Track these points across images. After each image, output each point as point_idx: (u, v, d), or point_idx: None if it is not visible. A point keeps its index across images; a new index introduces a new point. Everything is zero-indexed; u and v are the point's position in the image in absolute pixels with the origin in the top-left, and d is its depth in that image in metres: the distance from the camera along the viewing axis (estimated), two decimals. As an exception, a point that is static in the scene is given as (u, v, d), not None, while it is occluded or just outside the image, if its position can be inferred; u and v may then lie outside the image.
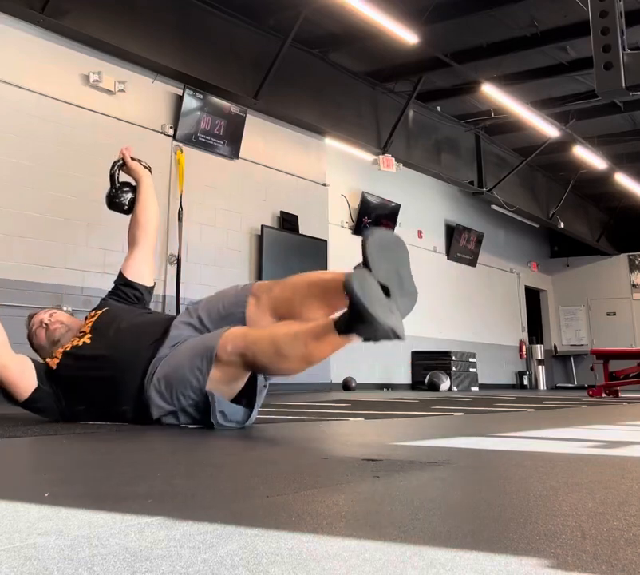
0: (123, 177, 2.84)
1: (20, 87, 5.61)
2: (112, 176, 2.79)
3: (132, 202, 2.78)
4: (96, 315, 2.47)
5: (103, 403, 2.30)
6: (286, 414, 3.02)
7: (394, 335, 1.90)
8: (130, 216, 2.78)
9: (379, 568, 0.63)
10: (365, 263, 1.91)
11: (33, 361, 2.37)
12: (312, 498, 1.00)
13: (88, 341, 2.35)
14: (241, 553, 0.68)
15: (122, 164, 2.82)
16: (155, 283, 2.73)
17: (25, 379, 2.30)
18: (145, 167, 2.85)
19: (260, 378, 2.22)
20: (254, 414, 2.24)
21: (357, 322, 1.87)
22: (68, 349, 2.35)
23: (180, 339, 2.27)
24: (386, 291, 1.90)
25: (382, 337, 1.90)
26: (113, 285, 2.66)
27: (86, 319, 2.51)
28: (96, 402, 2.31)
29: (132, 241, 2.74)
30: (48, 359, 2.37)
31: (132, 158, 2.84)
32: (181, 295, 6.47)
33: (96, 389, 2.29)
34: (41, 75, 5.77)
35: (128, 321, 2.41)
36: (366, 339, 1.94)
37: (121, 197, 2.78)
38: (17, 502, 0.94)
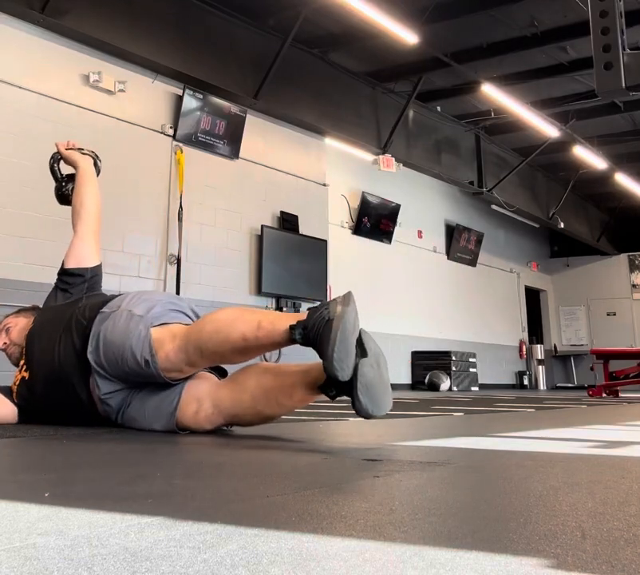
0: (68, 170, 2.84)
1: (20, 87, 5.61)
2: (51, 169, 2.80)
3: None
4: (26, 340, 2.39)
5: (74, 414, 2.28)
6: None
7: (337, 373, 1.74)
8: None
9: (379, 568, 0.63)
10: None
11: (2, 388, 2.38)
12: (312, 498, 1.00)
13: (27, 374, 2.31)
14: (241, 553, 0.67)
15: (59, 157, 2.81)
16: (100, 262, 2.70)
17: (2, 411, 2.31)
18: (87, 154, 2.84)
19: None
20: None
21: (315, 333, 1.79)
22: (17, 382, 2.34)
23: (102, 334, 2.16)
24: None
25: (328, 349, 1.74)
26: (56, 277, 2.64)
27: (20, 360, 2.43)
28: (69, 417, 2.30)
29: (73, 228, 2.75)
30: (12, 387, 2.36)
31: (72, 148, 2.81)
32: (181, 295, 6.47)
33: (61, 411, 2.28)
34: (41, 75, 5.77)
35: (48, 330, 2.33)
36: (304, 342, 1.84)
37: (64, 189, 2.79)
38: (17, 502, 0.94)
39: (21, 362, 2.36)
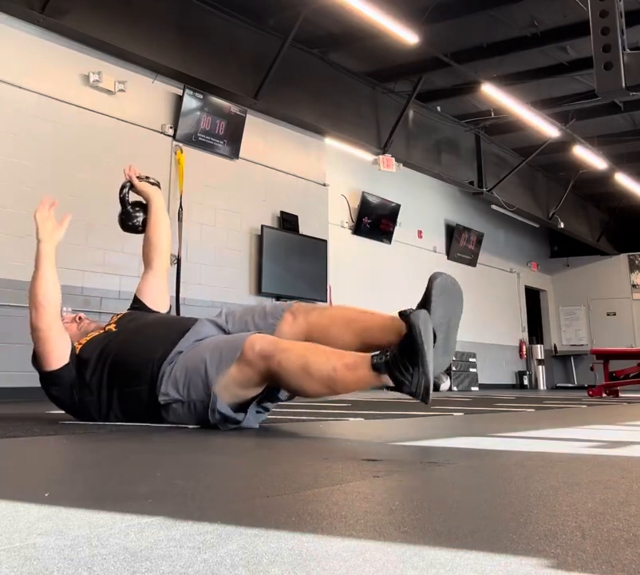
0: (133, 197, 2.83)
1: (20, 87, 5.61)
2: (122, 200, 2.78)
3: (145, 222, 2.78)
4: (121, 314, 2.56)
5: (117, 385, 2.29)
6: (286, 414, 3.02)
7: (425, 392, 1.85)
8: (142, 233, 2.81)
9: (379, 568, 0.63)
10: (426, 305, 1.90)
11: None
12: (312, 498, 1.00)
13: (114, 329, 2.43)
14: (241, 553, 0.67)
15: (131, 186, 2.80)
16: (170, 308, 2.77)
17: (61, 350, 2.34)
18: (153, 184, 2.84)
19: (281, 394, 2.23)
20: (255, 418, 2.24)
21: (401, 362, 1.84)
22: (94, 335, 2.43)
23: (202, 335, 2.30)
24: (434, 337, 1.89)
25: (413, 388, 1.85)
26: (131, 307, 2.70)
27: (112, 317, 2.59)
28: (110, 384, 2.31)
29: (146, 262, 2.77)
30: (75, 344, 2.41)
31: (140, 177, 2.82)
32: (181, 295, 6.47)
33: (114, 367, 2.31)
34: (41, 75, 5.77)
35: (153, 317, 2.52)
36: (395, 386, 1.88)
37: (134, 219, 2.78)
38: (17, 502, 0.94)
39: (112, 320, 2.50)
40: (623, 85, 2.33)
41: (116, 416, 2.33)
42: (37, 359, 2.37)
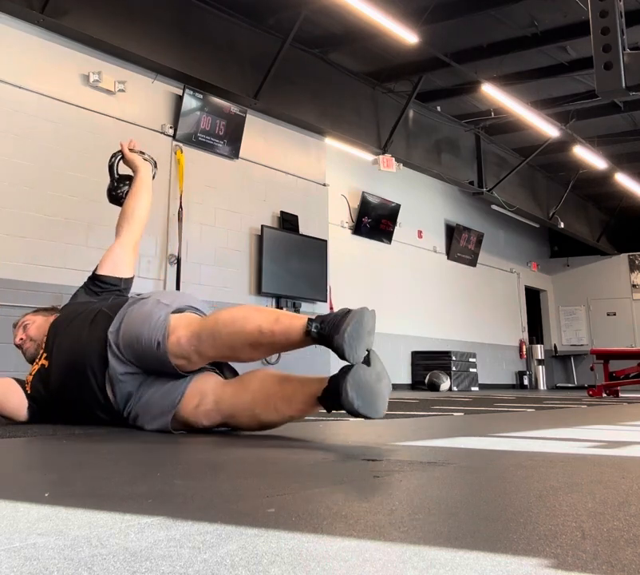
0: (124, 170, 2.83)
1: (20, 87, 5.61)
2: (110, 168, 2.79)
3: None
4: (48, 331, 2.43)
5: (83, 405, 2.28)
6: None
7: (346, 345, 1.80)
8: None
9: (379, 568, 0.63)
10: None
11: (18, 380, 2.42)
12: (312, 498, 1.00)
13: (46, 362, 2.35)
14: (241, 553, 0.67)
15: (121, 157, 2.81)
16: (133, 275, 2.70)
17: (12, 402, 2.35)
18: (147, 159, 2.83)
19: None
20: None
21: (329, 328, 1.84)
22: (33, 373, 2.39)
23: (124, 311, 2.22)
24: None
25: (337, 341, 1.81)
26: (89, 275, 2.65)
27: (41, 341, 2.47)
28: (76, 409, 2.32)
29: (116, 232, 2.74)
30: (26, 385, 2.39)
31: (133, 150, 2.82)
32: (181, 295, 6.46)
33: (71, 400, 2.29)
34: (41, 75, 5.77)
35: (71, 326, 2.36)
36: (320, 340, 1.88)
37: (119, 190, 2.78)
38: (17, 502, 0.94)
39: (41, 352, 2.40)
40: (623, 85, 2.32)
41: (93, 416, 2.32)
42: (11, 419, 2.38)
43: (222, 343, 2.00)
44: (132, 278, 2.69)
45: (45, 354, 2.37)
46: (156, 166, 2.90)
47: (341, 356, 1.80)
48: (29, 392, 2.36)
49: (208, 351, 2.04)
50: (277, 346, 2.03)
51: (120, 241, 2.70)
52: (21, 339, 2.54)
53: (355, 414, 1.81)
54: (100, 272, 2.62)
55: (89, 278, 2.63)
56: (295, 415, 2.07)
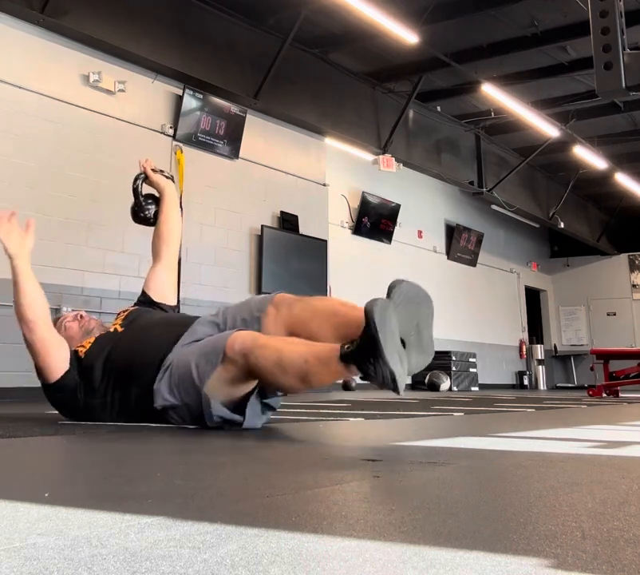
0: (145, 189, 2.84)
1: (20, 87, 5.61)
2: (135, 190, 2.80)
3: (157, 214, 2.80)
4: (128, 311, 2.56)
5: (123, 388, 2.31)
6: (286, 414, 3.02)
7: (392, 382, 1.79)
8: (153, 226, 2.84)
9: (379, 568, 0.63)
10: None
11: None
12: (312, 498, 1.00)
13: (120, 329, 2.43)
14: (241, 553, 0.67)
15: (145, 178, 2.81)
16: (178, 302, 2.79)
17: (59, 359, 2.34)
18: (167, 177, 2.85)
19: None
20: (258, 417, 2.24)
21: (363, 353, 1.81)
22: (98, 336, 2.43)
23: (198, 335, 2.31)
24: (402, 343, 1.87)
25: (380, 379, 1.80)
26: (137, 301, 2.70)
27: (117, 315, 2.58)
28: (117, 387, 2.32)
29: (155, 254, 2.78)
30: (77, 347, 2.41)
31: (154, 170, 2.83)
32: (181, 295, 6.42)
33: (120, 372, 2.32)
34: (41, 75, 5.77)
35: (156, 316, 2.52)
36: (363, 376, 1.86)
37: (146, 210, 2.79)
38: (17, 502, 0.94)
39: (118, 320, 2.49)
40: (623, 85, 2.32)
41: (122, 417, 2.34)
42: (39, 372, 2.37)
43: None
44: (177, 305, 2.79)
45: (119, 324, 2.45)
46: (173, 181, 2.92)
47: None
48: (80, 356, 2.36)
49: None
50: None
51: (162, 263, 2.77)
52: (82, 315, 2.60)
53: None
54: (155, 300, 2.69)
55: (145, 302, 2.68)
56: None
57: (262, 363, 2.02)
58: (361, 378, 1.88)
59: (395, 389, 1.81)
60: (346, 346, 1.88)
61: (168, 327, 2.41)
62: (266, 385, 2.15)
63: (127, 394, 2.30)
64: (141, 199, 2.79)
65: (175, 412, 2.22)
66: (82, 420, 2.40)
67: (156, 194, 2.84)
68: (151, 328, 2.42)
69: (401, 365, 1.82)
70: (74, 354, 2.37)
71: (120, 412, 2.33)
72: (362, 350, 1.82)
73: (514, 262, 14.10)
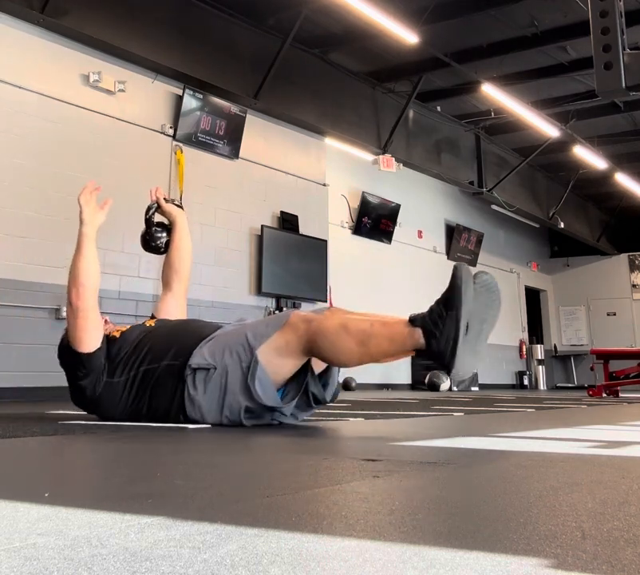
0: (157, 217, 2.85)
1: (20, 87, 5.61)
2: (148, 221, 2.80)
3: (168, 243, 2.82)
4: (156, 318, 2.63)
5: (153, 360, 2.30)
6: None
7: (454, 343, 1.92)
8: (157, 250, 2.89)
9: (379, 568, 0.63)
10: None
11: None
12: (312, 498, 1.00)
13: (153, 324, 2.49)
14: (241, 553, 0.67)
15: (157, 208, 2.82)
16: None
17: (97, 331, 2.35)
18: (179, 206, 2.87)
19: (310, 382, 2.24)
20: (294, 411, 2.26)
21: (437, 311, 1.92)
22: (134, 325, 2.49)
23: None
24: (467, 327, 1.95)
25: (443, 344, 1.91)
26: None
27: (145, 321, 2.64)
28: (140, 361, 2.31)
29: (165, 283, 2.80)
30: (113, 332, 2.43)
31: (166, 199, 2.84)
32: (181, 295, 6.46)
33: (155, 344, 2.33)
34: (41, 75, 5.77)
35: (187, 320, 2.64)
36: (425, 342, 1.94)
37: (157, 240, 2.81)
38: (17, 502, 0.94)
39: (149, 321, 2.54)
40: (623, 85, 2.33)
41: (136, 401, 2.31)
42: (69, 341, 2.33)
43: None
44: None
45: (153, 322, 2.51)
46: (183, 209, 2.94)
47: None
48: (117, 336, 2.38)
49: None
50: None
51: (173, 293, 2.85)
52: (106, 320, 2.57)
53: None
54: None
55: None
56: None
57: (326, 325, 2.07)
58: (418, 352, 1.96)
59: (451, 360, 1.89)
60: (419, 314, 1.99)
61: (199, 328, 2.45)
62: (321, 353, 2.14)
63: (154, 367, 2.28)
64: (154, 228, 2.80)
65: (204, 379, 2.19)
66: (90, 409, 2.37)
67: (167, 222, 2.85)
68: (187, 322, 2.51)
69: (466, 347, 1.97)
70: (105, 338, 2.37)
71: (137, 393, 2.30)
72: (437, 306, 1.96)
73: (514, 262, 14.10)
